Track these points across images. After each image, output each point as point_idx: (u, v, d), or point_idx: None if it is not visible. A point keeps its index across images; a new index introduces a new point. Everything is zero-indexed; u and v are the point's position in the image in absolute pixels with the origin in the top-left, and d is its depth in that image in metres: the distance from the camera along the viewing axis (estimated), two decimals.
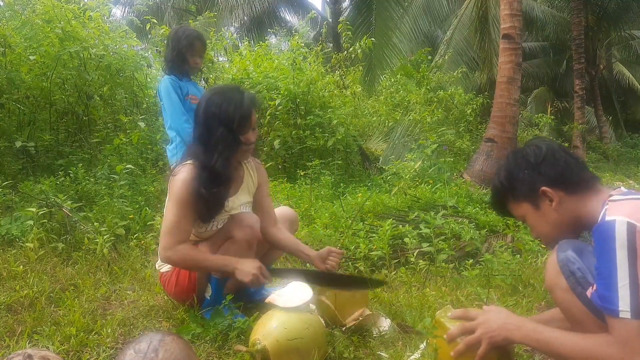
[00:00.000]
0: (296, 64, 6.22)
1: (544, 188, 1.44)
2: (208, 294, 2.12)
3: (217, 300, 2.05)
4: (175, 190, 1.96)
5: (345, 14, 12.91)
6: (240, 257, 2.00)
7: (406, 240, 3.06)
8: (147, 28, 5.85)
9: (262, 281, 1.95)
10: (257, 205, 2.29)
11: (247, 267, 1.93)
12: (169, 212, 1.97)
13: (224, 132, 1.96)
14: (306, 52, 6.70)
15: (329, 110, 6.04)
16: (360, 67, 9.03)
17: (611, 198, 1.33)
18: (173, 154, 3.01)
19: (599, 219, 1.29)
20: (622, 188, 1.40)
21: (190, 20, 7.63)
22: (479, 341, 1.43)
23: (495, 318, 1.44)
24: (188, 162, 2.01)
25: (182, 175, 1.97)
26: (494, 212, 1.70)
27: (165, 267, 2.17)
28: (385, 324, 2.05)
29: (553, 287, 1.41)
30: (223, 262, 1.98)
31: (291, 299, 1.75)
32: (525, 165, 1.49)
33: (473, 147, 7.61)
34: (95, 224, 3.27)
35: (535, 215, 1.49)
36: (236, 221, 2.08)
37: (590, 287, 1.30)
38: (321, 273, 2.14)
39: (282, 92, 5.77)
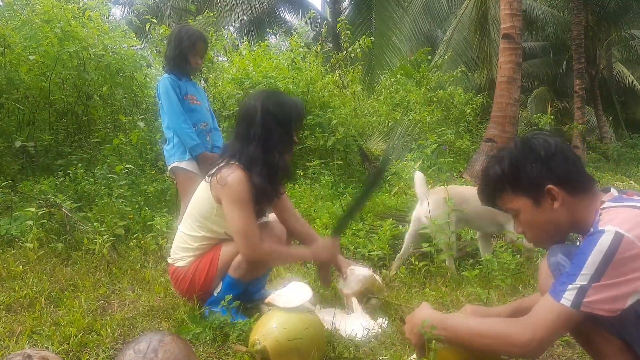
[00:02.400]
0: (295, 64, 6.21)
1: (550, 186, 1.36)
2: (217, 291, 2.13)
3: (223, 299, 2.05)
4: (236, 192, 2.00)
5: (345, 14, 12.90)
6: None
7: None
8: (147, 28, 5.83)
9: (337, 253, 2.23)
10: (280, 204, 2.32)
11: (322, 249, 2.17)
12: (237, 215, 2.01)
13: (282, 133, 2.10)
14: (305, 52, 6.69)
15: (329, 110, 6.03)
16: (360, 67, 9.02)
17: (603, 206, 1.31)
18: (170, 154, 3.00)
19: (592, 228, 1.28)
20: (613, 190, 1.38)
21: (189, 20, 7.61)
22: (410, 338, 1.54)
23: (419, 315, 1.53)
24: (232, 163, 2.06)
25: (236, 176, 2.01)
26: (481, 202, 1.57)
27: (181, 262, 2.17)
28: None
29: (545, 290, 1.41)
30: (303, 255, 2.29)
31: (291, 299, 1.75)
32: (534, 158, 1.39)
33: (473, 147, 7.60)
34: (94, 224, 3.27)
35: (532, 211, 1.41)
36: (267, 229, 2.18)
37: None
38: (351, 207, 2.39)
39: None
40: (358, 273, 2.25)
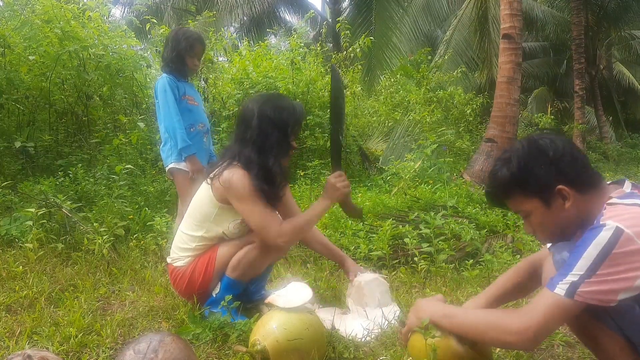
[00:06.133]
0: (295, 64, 6.20)
1: (561, 187, 1.36)
2: (215, 291, 2.13)
3: (222, 300, 2.05)
4: (242, 189, 2.03)
5: (345, 14, 12.89)
6: (261, 258, 2.12)
7: (406, 240, 3.05)
8: (147, 28, 5.83)
9: (346, 187, 2.14)
10: (284, 204, 2.31)
11: (332, 190, 2.12)
12: (252, 209, 2.04)
13: (279, 137, 2.09)
14: (305, 52, 6.68)
15: (329, 110, 6.01)
16: (360, 67, 9.01)
17: (610, 201, 1.32)
18: (168, 155, 2.99)
19: (595, 221, 1.29)
20: (626, 185, 1.38)
21: (189, 20, 7.61)
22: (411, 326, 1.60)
23: (421, 304, 1.60)
24: (233, 164, 2.08)
25: (238, 175, 2.03)
26: (490, 205, 1.61)
27: (180, 262, 2.18)
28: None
29: None
30: (321, 208, 2.15)
31: (291, 300, 1.75)
32: (543, 159, 1.38)
33: (473, 147, 7.59)
34: (94, 224, 3.27)
35: (543, 212, 1.41)
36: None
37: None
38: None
39: (281, 92, 5.76)
40: (370, 288, 2.22)
